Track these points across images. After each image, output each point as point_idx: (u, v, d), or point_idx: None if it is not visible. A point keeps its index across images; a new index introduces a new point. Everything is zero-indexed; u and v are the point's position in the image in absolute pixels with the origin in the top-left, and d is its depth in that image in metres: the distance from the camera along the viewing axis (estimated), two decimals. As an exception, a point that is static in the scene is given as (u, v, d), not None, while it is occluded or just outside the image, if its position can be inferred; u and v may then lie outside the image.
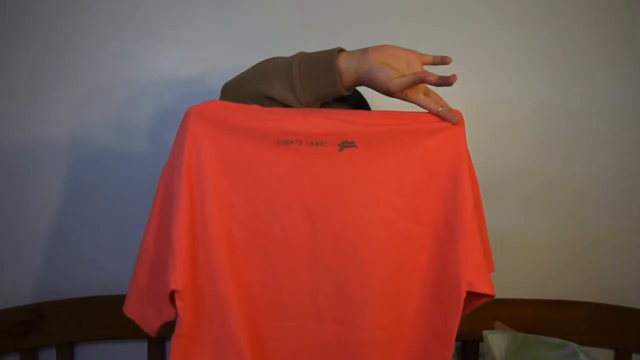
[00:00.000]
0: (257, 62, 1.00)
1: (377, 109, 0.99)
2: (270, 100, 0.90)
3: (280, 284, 0.88)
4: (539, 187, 1.50)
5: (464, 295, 0.85)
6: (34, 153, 1.42)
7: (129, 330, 1.39)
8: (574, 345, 1.02)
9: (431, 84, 0.85)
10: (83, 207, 1.44)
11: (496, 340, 1.19)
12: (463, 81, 1.47)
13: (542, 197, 1.51)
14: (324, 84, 0.89)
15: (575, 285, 1.51)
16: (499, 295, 1.49)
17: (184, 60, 1.44)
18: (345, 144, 0.87)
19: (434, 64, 0.90)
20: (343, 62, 0.89)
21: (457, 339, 1.24)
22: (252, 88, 0.92)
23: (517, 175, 1.49)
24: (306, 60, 0.90)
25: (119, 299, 1.38)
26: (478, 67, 1.48)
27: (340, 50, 0.90)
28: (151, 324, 0.93)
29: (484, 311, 1.42)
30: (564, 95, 1.49)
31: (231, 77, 1.05)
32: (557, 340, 1.06)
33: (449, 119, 0.87)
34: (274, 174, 0.87)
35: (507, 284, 1.48)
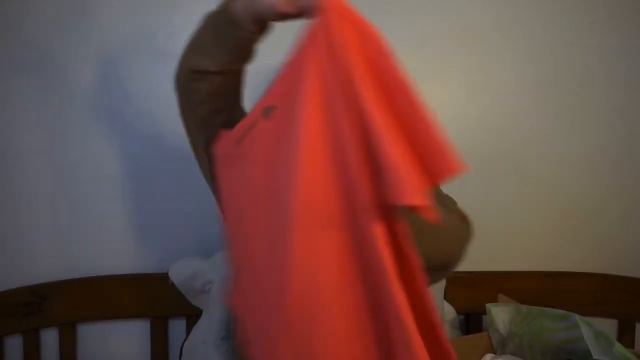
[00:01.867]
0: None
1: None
2: (195, 73, 0.84)
3: None
4: (537, 160, 1.49)
5: None
6: (22, 135, 1.41)
7: (132, 310, 1.41)
8: (576, 316, 1.01)
9: None
10: (80, 187, 1.43)
11: (499, 313, 1.18)
12: (465, 54, 1.46)
13: (541, 170, 1.50)
14: (226, 34, 0.80)
15: (577, 257, 1.51)
16: (501, 268, 1.50)
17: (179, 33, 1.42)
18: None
19: None
20: (236, 4, 0.79)
21: (460, 312, 1.25)
22: (184, 64, 0.86)
23: (515, 148, 1.48)
24: (206, 16, 0.83)
25: (120, 279, 1.41)
26: (480, 38, 1.46)
27: None
28: None
29: (487, 284, 1.42)
30: (561, 67, 1.48)
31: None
32: (560, 312, 1.05)
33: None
34: None
35: (509, 257, 1.48)
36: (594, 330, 0.97)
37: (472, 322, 1.45)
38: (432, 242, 0.79)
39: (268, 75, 1.39)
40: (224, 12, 0.80)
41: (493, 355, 1.14)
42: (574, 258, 1.50)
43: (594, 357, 0.93)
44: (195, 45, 0.85)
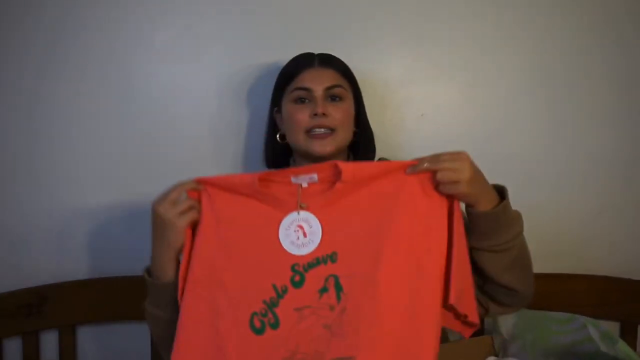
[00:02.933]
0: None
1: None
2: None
3: None
4: (537, 162, 1.49)
5: None
6: (37, 139, 1.42)
7: (133, 312, 1.39)
8: (582, 318, 1.01)
9: None
10: (83, 189, 1.43)
11: (502, 317, 1.18)
12: (464, 55, 1.46)
13: (540, 172, 1.49)
14: (164, 292, 1.04)
15: (580, 258, 1.49)
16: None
17: (179, 38, 1.42)
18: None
19: None
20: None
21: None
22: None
23: (515, 150, 1.48)
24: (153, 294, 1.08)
25: (121, 281, 1.40)
26: (480, 38, 1.46)
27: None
28: None
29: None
30: (561, 69, 1.48)
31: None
32: (565, 315, 1.05)
33: None
34: None
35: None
36: (600, 331, 0.97)
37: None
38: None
39: (259, 74, 1.41)
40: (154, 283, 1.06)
41: (496, 358, 1.14)
42: (577, 260, 1.49)
43: (603, 351, 0.92)
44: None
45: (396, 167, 0.99)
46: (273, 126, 1.27)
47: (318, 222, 0.99)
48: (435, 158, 0.96)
